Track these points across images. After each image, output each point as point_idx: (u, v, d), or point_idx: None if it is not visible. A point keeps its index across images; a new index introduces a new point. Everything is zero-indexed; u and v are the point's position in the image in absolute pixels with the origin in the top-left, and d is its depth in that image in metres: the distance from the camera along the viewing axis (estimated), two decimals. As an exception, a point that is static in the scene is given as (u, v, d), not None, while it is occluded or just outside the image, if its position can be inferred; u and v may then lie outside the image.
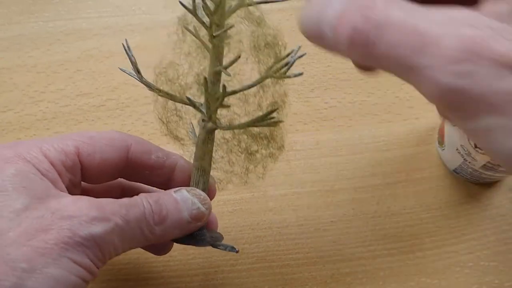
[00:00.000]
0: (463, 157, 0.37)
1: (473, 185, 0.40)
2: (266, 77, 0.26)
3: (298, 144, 0.41)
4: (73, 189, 0.28)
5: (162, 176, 0.30)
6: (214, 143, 0.29)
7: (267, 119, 0.26)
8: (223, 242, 0.29)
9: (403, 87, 0.44)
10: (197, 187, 0.28)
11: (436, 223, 0.38)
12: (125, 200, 0.25)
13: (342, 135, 0.42)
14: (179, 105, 0.28)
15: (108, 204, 0.25)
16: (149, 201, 0.26)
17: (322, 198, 0.39)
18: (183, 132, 0.29)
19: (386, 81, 0.44)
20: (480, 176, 0.38)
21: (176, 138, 0.30)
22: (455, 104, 0.17)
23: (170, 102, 0.28)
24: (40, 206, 0.23)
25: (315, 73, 0.44)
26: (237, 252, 0.28)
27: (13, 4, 0.47)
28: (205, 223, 0.28)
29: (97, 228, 0.24)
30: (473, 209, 0.39)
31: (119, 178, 0.31)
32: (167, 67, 0.28)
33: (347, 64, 0.45)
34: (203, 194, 0.28)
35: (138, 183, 0.32)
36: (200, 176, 0.28)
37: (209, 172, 0.29)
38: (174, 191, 0.27)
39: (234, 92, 0.26)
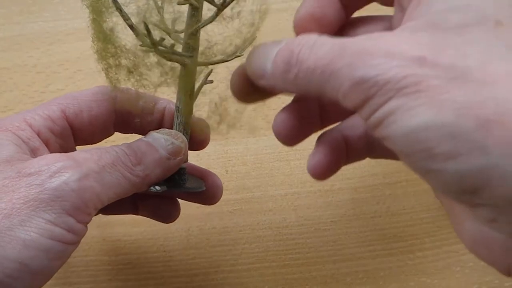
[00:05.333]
0: (463, 157, 0.37)
1: (473, 185, 0.40)
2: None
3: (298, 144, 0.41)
4: None
5: (153, 123, 0.29)
6: None
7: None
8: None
9: (403, 87, 0.44)
10: (177, 129, 0.28)
11: (436, 223, 0.38)
12: (94, 149, 0.25)
13: (342, 135, 0.42)
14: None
15: (79, 153, 0.24)
16: (119, 147, 0.25)
17: (322, 198, 0.39)
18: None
19: (386, 81, 0.44)
20: (480, 176, 0.38)
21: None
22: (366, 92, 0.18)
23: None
24: (6, 168, 0.22)
25: (315, 73, 0.44)
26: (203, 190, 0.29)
27: (13, 4, 0.47)
28: (186, 161, 0.28)
29: (71, 176, 0.22)
30: (473, 209, 0.39)
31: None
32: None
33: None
34: (174, 131, 0.27)
35: None
36: (177, 117, 0.28)
37: (187, 112, 0.28)
38: (144, 137, 0.27)
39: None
